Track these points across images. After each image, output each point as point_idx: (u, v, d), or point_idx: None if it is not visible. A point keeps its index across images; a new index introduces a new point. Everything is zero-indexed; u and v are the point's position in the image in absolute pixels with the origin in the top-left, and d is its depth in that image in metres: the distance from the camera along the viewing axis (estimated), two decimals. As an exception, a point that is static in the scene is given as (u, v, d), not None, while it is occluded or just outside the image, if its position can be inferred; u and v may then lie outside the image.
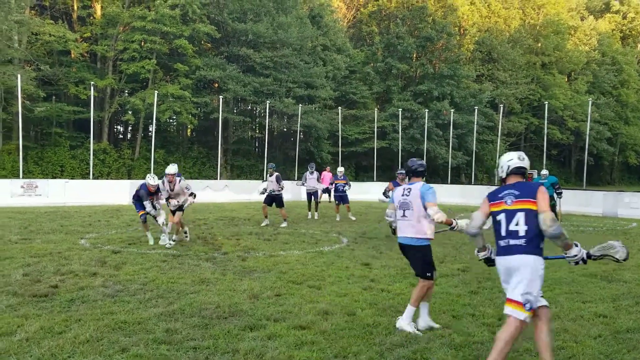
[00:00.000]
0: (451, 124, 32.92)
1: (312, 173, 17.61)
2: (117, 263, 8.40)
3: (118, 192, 21.77)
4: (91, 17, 29.68)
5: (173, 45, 29.12)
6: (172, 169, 10.69)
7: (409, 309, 5.49)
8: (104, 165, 28.41)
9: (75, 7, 29.46)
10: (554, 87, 46.65)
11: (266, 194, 14.54)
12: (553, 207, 16.36)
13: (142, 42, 28.37)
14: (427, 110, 34.61)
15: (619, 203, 20.50)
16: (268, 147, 29.61)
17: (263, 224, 14.36)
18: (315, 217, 17.17)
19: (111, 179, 27.10)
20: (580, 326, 5.61)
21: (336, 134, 32.93)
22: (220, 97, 28.36)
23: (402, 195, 5.76)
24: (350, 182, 17.68)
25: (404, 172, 11.37)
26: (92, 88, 24.51)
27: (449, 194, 26.44)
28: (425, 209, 5.57)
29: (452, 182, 33.11)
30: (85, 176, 26.00)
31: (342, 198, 17.01)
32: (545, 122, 32.18)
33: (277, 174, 14.64)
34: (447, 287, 7.36)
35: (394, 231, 10.89)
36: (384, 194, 12.82)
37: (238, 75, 30.65)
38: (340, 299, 6.48)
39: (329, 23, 37.91)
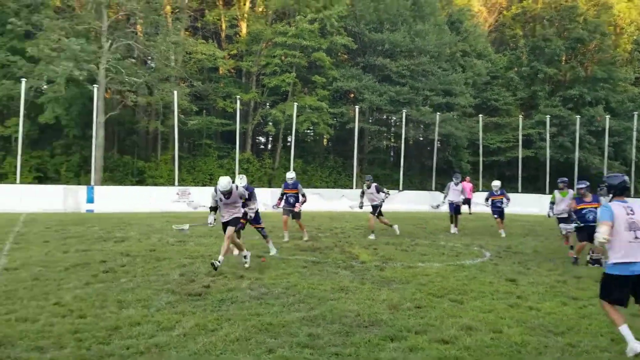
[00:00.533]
0: (607, 131, 29.98)
1: (457, 184, 16.20)
2: (261, 267, 8.77)
3: (260, 199, 22.88)
4: (237, 35, 31.79)
5: (311, 58, 30.12)
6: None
7: None
8: (247, 174, 30.12)
9: (224, 27, 31.75)
10: None
11: (363, 207, 14.05)
12: None
13: (283, 57, 29.72)
14: (578, 116, 31.94)
15: None
16: (404, 156, 29.33)
17: (394, 231, 14.28)
18: (455, 232, 15.62)
19: (254, 187, 28.56)
20: None
21: (476, 143, 31.70)
22: (356, 107, 28.72)
23: (627, 214, 5.15)
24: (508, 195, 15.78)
25: (584, 186, 10.42)
26: (237, 102, 26.15)
27: (603, 207, 24.15)
28: None
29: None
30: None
31: (500, 214, 15.39)
32: None
33: (375, 184, 14.01)
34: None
35: (596, 261, 9.92)
36: (569, 216, 11.00)
37: (374, 85, 30.82)
38: (485, 315, 6.20)
39: (469, 28, 36.73)
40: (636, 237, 5.05)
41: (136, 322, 5.47)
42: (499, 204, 15.38)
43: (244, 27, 31.49)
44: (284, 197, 13.16)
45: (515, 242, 13.78)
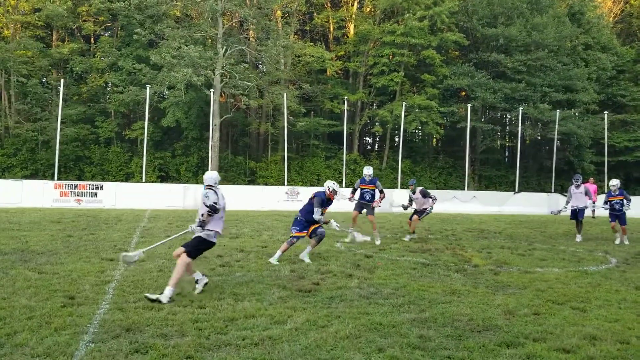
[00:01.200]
0: None
1: (577, 187, 14.39)
2: (370, 267, 8.74)
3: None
4: (345, 37, 32.08)
5: (420, 57, 29.62)
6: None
7: None
8: (354, 175, 30.26)
9: (332, 29, 32.19)
10: None
11: (408, 210, 13.35)
12: None
13: (391, 56, 29.51)
14: None
15: None
16: (520, 156, 27.91)
17: (407, 238, 12.78)
18: (578, 240, 13.94)
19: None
20: None
21: (601, 142, 29.42)
22: (468, 105, 27.80)
23: None
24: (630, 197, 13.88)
25: None
26: (345, 103, 26.36)
27: None
28: None
29: None
30: (339, 185, 28.00)
31: (618, 217, 13.64)
32: None
33: (420, 188, 13.04)
34: None
35: None
36: None
37: (487, 82, 29.63)
38: (610, 325, 5.79)
39: (592, 19, 34.13)
40: None
41: (251, 315, 5.67)
42: (617, 206, 13.62)
43: (351, 28, 31.72)
44: (360, 193, 12.70)
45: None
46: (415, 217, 13.00)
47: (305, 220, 9.20)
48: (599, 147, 30.20)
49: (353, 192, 12.84)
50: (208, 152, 24.39)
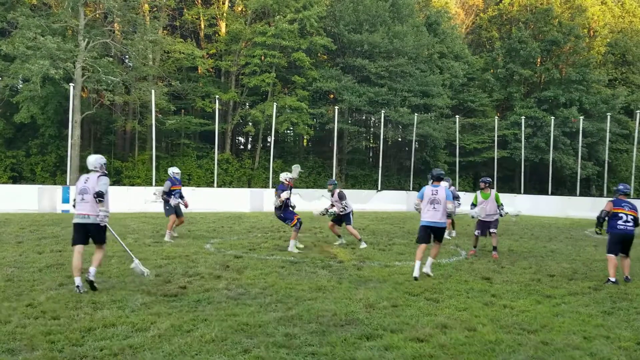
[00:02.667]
0: (580, 132, 30.55)
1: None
2: (239, 267, 8.76)
3: (239, 200, 22.87)
4: (216, 35, 31.64)
5: (291, 59, 30.13)
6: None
7: None
8: (226, 175, 29.99)
9: (203, 26, 31.57)
10: (701, 90, 41.78)
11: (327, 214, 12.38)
12: None
13: (263, 57, 29.66)
14: (552, 117, 32.52)
15: None
16: (383, 156, 29.49)
17: (337, 243, 12.37)
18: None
19: (233, 187, 28.51)
20: None
21: (453, 144, 32.04)
22: (336, 107, 28.81)
23: None
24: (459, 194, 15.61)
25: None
26: (217, 101, 26.03)
27: (578, 206, 24.62)
28: None
29: (582, 195, 30.72)
30: (210, 184, 27.60)
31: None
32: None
33: (339, 191, 12.31)
34: (576, 305, 6.88)
35: None
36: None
37: (353, 86, 30.94)
38: (460, 314, 6.30)
39: (447, 30, 37.10)
40: None
41: (111, 324, 5.42)
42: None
43: (223, 27, 31.36)
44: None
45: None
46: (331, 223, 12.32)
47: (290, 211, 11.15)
48: (452, 148, 32.84)
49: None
50: (67, 151, 22.69)
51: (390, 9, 32.51)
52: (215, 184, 25.46)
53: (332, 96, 33.23)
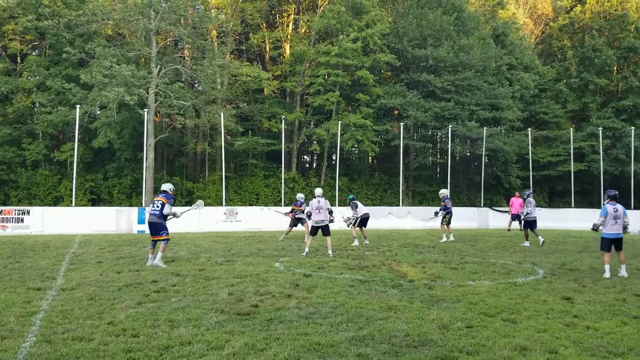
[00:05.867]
0: (663, 141, 28.76)
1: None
2: (309, 286, 8.77)
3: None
4: (281, 57, 32.36)
5: (355, 77, 30.28)
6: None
7: None
8: (292, 193, 30.35)
9: (268, 49, 32.39)
10: None
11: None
12: None
13: (327, 76, 29.99)
14: (633, 127, 30.78)
15: None
16: (451, 172, 28.89)
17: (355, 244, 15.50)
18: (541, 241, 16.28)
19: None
20: None
21: (526, 157, 30.96)
22: (401, 124, 28.59)
23: None
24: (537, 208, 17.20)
25: None
26: (282, 122, 26.50)
27: None
28: None
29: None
30: (277, 203, 28.02)
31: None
32: None
33: (352, 203, 14.16)
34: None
35: None
36: None
37: (418, 102, 30.63)
38: (540, 335, 6.02)
39: (515, 41, 36.13)
40: None
41: (187, 342, 5.55)
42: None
43: (287, 49, 32.04)
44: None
45: (570, 258, 13.29)
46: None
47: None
48: (524, 162, 31.74)
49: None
50: (142, 174, 23.76)
51: (455, 23, 32.08)
52: (282, 203, 25.79)
53: (396, 112, 33.03)
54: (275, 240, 17.16)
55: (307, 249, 13.20)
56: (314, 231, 13.40)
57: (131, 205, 25.16)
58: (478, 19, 33.96)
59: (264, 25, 32.46)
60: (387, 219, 23.83)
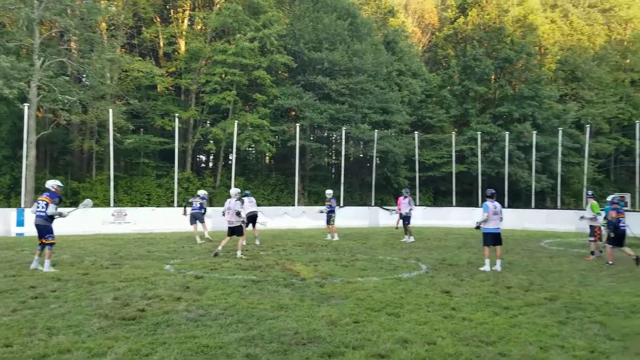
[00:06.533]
0: (534, 146, 31.56)
1: (405, 197, 18.16)
2: (200, 288, 8.65)
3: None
4: (176, 53, 31.46)
5: (252, 77, 30.19)
6: None
7: None
8: (187, 193, 29.63)
9: (162, 44, 31.36)
10: (645, 105, 43.82)
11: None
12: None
13: (223, 75, 29.63)
14: (507, 132, 33.52)
15: None
16: (345, 173, 29.72)
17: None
18: (411, 240, 17.58)
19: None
20: None
21: (413, 159, 32.57)
22: (297, 125, 28.95)
23: None
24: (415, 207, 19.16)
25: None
26: (176, 120, 25.80)
27: (533, 219, 25.32)
28: None
29: (537, 207, 31.61)
30: (170, 204, 27.21)
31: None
32: (637, 142, 30.11)
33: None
34: (533, 316, 7.07)
35: None
36: None
37: (314, 103, 31.21)
38: (420, 327, 6.38)
39: (404, 48, 37.95)
40: None
41: (66, 349, 5.28)
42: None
43: (182, 45, 31.22)
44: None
45: (451, 254, 14.19)
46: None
47: None
48: (412, 164, 33.35)
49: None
50: (22, 172, 22.00)
51: (349, 28, 33.07)
52: (175, 203, 25.11)
53: (293, 113, 33.39)
54: (167, 242, 16.68)
55: (219, 248, 13.15)
56: (229, 232, 13.23)
57: (9, 206, 23.23)
58: (371, 25, 35.25)
59: (158, 19, 31.38)
60: (282, 218, 24.02)
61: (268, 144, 30.87)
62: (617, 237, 12.38)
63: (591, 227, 14.03)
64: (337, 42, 32.27)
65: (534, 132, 33.20)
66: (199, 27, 32.57)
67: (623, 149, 44.62)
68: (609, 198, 16.69)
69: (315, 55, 31.40)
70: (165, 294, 8.12)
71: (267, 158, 37.22)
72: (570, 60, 43.14)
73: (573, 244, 17.03)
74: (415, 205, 23.27)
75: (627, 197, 28.90)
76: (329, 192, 18.73)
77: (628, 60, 45.99)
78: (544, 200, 39.24)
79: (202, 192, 17.96)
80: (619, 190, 34.89)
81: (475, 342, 5.81)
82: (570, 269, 11.62)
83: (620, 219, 12.44)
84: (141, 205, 26.70)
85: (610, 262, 12.32)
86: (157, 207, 25.59)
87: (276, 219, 23.50)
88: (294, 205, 27.56)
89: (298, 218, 24.44)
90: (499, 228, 11.48)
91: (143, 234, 19.38)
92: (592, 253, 13.68)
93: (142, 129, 30.61)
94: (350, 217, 25.12)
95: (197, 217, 17.14)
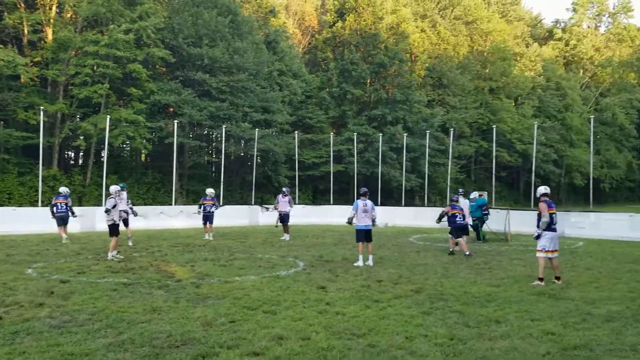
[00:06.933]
0: (404, 147, 33.58)
1: (284, 196, 18.40)
2: (66, 293, 8.19)
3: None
4: (42, 42, 29.06)
5: (127, 70, 28.77)
6: None
7: None
8: (53, 192, 27.53)
9: (26, 32, 28.78)
10: (501, 112, 48.22)
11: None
12: (477, 227, 17.51)
13: (95, 67, 27.92)
14: (381, 134, 35.24)
15: (565, 223, 21.23)
16: (225, 171, 29.41)
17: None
18: (287, 239, 17.81)
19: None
20: (530, 344, 5.81)
21: (293, 158, 33.04)
22: (175, 121, 28.11)
23: None
24: (294, 205, 19.45)
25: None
26: (41, 113, 23.92)
27: (403, 215, 26.90)
28: None
29: (407, 205, 33.65)
30: (34, 203, 25.18)
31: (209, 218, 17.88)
32: (494, 145, 33.23)
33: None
34: (400, 308, 7.50)
35: None
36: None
37: (193, 100, 30.50)
38: (295, 324, 6.54)
39: (285, 49, 38.33)
40: None
41: None
42: (208, 208, 17.86)
43: (49, 33, 28.86)
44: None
45: (327, 251, 14.68)
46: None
47: None
48: (292, 163, 33.87)
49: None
50: None
51: (230, 25, 32.72)
52: (39, 203, 23.28)
53: (171, 110, 32.34)
54: (29, 244, 15.45)
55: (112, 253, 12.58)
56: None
57: None
58: (252, 24, 35.16)
59: (22, 5, 28.71)
60: (158, 218, 23.25)
61: (144, 141, 29.61)
62: (454, 229, 14.26)
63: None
64: (218, 38, 31.82)
65: (405, 134, 35.31)
66: (68, 15, 30.32)
67: (482, 151, 48.87)
68: (472, 196, 18.47)
69: (195, 51, 30.69)
70: (26, 300, 7.60)
71: (143, 155, 35.72)
72: (438, 67, 46.27)
73: (437, 239, 18.35)
74: (295, 203, 23.77)
75: (485, 195, 31.65)
76: (210, 191, 18.47)
77: (487, 70, 50.34)
78: (414, 198, 41.79)
79: (63, 190, 17.17)
80: (478, 189, 38.07)
81: (347, 335, 6.07)
82: (434, 262, 12.54)
83: (456, 214, 14.44)
84: (1, 205, 24.43)
85: (467, 253, 13.56)
86: (19, 206, 23.56)
87: (152, 218, 22.71)
88: (171, 204, 26.78)
89: (175, 218, 23.79)
90: (369, 225, 12.10)
91: (3, 236, 17.78)
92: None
93: (2, 123, 27.93)
94: (230, 215, 24.93)
95: (64, 219, 16.16)
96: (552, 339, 6.03)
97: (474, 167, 50.63)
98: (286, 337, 5.92)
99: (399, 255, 13.80)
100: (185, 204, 29.02)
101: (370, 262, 11.89)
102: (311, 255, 13.65)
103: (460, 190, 17.31)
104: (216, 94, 31.41)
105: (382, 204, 30.29)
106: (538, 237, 9.82)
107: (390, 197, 38.08)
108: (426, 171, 32.94)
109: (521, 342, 5.89)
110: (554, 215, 9.85)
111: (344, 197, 36.29)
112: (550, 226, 9.71)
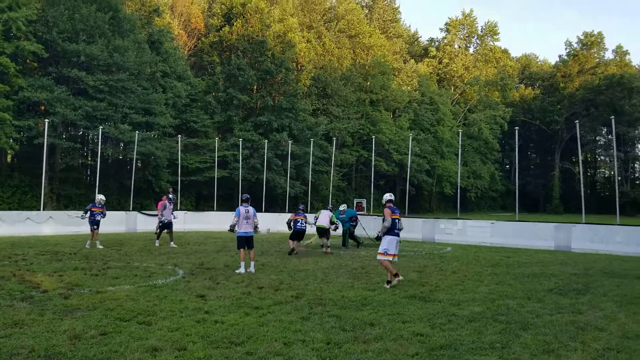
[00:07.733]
0: (289, 154, 34.11)
1: (170, 202, 18.36)
2: None
3: None
4: None
5: (-9, 62, 26.36)
6: None
7: None
8: None
9: None
10: (380, 123, 50.60)
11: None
12: (350, 234, 18.78)
13: (-48, 57, 25.30)
14: (267, 141, 35.46)
15: (435, 229, 22.89)
16: (101, 175, 27.89)
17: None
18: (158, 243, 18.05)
19: None
20: (400, 345, 6.15)
21: (176, 163, 32.19)
22: (47, 120, 26.19)
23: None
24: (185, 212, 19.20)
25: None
26: None
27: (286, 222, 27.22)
28: None
29: (290, 211, 34.11)
30: None
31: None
32: (373, 154, 34.86)
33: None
34: (280, 314, 7.60)
35: None
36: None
37: (68, 98, 28.62)
38: (172, 334, 6.39)
39: (170, 50, 37.24)
40: None
41: None
42: (98, 217, 17.46)
43: None
44: None
45: (209, 258, 14.51)
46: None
47: None
48: (174, 168, 32.99)
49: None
50: None
51: (111, 22, 31.18)
52: None
53: (42, 108, 30.06)
54: None
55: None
56: None
57: None
58: (134, 22, 33.76)
59: None
60: (24, 224, 21.54)
61: (10, 141, 27.26)
62: (294, 232, 16.18)
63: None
64: (97, 35, 30.17)
65: (290, 141, 35.87)
66: None
67: (362, 160, 50.97)
68: (341, 208, 19.71)
69: (71, 47, 28.83)
70: None
71: (9, 156, 32.82)
72: (322, 78, 47.55)
73: (319, 244, 18.89)
74: (177, 209, 23.25)
75: (364, 202, 33.07)
76: (101, 198, 18.00)
77: (368, 83, 52.56)
78: (297, 205, 42.47)
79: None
80: (358, 195, 39.67)
81: (225, 343, 6.03)
82: (315, 267, 12.89)
83: (298, 219, 16.31)
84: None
85: (328, 253, 16.06)
86: None
87: (17, 224, 21.01)
88: (39, 209, 24.92)
89: (44, 224, 22.17)
90: (250, 232, 12.20)
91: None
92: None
93: None
94: (105, 222, 23.71)
95: None
96: (420, 339, 6.39)
97: (355, 175, 52.56)
98: (161, 349, 5.77)
99: (281, 262, 14.00)
100: (55, 209, 27.13)
101: (252, 269, 11.97)
102: (191, 262, 13.41)
103: (330, 205, 19.30)
104: (93, 93, 29.71)
105: (267, 211, 30.50)
106: (378, 238, 10.52)
107: (275, 204, 38.39)
108: (310, 178, 33.67)
109: (393, 343, 6.20)
110: (397, 220, 10.40)
111: (229, 203, 35.99)
112: (393, 230, 10.28)
